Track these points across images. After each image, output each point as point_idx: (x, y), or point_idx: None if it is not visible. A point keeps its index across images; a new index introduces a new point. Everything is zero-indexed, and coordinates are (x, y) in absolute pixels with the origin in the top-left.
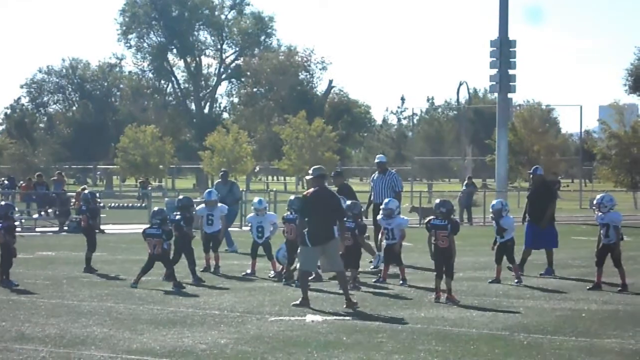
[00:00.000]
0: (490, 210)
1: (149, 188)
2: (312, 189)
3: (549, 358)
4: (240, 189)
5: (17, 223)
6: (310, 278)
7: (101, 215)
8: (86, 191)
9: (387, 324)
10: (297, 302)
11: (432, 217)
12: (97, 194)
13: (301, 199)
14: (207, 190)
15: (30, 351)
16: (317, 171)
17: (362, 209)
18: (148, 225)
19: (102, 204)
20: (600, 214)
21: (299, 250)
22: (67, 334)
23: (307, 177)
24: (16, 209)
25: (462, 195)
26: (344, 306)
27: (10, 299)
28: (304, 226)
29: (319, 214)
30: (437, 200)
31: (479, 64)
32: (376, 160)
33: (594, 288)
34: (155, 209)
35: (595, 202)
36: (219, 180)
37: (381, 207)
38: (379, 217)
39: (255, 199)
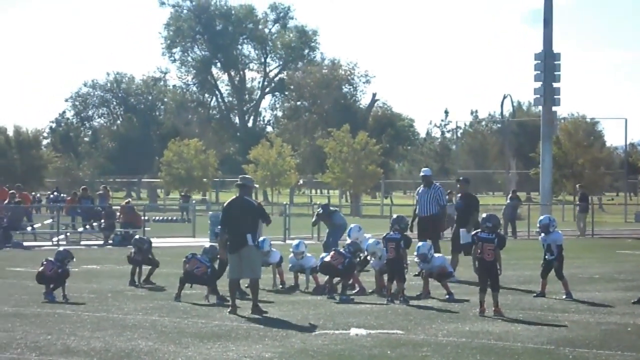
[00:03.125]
0: (538, 225)
1: (192, 201)
2: (230, 199)
3: None
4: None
5: (62, 237)
6: (354, 292)
7: (146, 229)
8: (137, 237)
9: (431, 337)
10: (229, 309)
11: (478, 230)
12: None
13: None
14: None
15: None
16: (240, 180)
17: (408, 223)
18: (194, 254)
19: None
20: None
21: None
22: (112, 347)
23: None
24: (74, 258)
25: (507, 208)
26: (250, 312)
27: (56, 312)
28: (224, 236)
29: (233, 222)
30: (484, 215)
31: (523, 77)
32: (421, 174)
33: (639, 302)
34: (207, 246)
35: None
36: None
37: (416, 253)
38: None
39: (295, 242)
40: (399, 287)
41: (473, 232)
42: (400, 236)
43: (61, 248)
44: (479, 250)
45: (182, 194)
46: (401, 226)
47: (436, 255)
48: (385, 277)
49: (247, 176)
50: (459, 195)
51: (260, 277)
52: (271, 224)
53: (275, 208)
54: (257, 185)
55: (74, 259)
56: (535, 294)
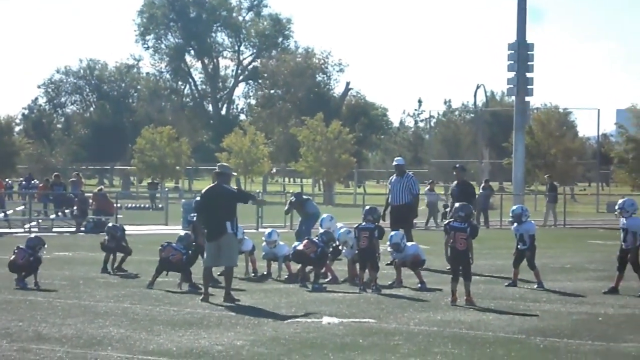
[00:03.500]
0: (510, 215)
1: (165, 189)
2: (208, 187)
3: None
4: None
5: (34, 223)
6: (326, 280)
7: (118, 216)
8: (110, 224)
9: (403, 326)
10: (201, 297)
11: (450, 219)
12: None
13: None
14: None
15: (47, 351)
16: (218, 168)
17: (381, 214)
18: (169, 242)
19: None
20: (622, 218)
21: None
22: (83, 334)
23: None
24: (45, 244)
25: (479, 198)
26: (223, 300)
27: (28, 299)
28: (201, 222)
29: (211, 210)
30: (457, 204)
31: (496, 67)
32: (394, 163)
33: (610, 292)
34: (182, 234)
35: (617, 206)
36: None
37: (389, 242)
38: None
39: (268, 230)
40: (372, 276)
41: (445, 222)
42: (374, 226)
43: (32, 235)
44: (451, 240)
45: (150, 181)
46: (374, 217)
47: (409, 244)
48: (358, 266)
49: (225, 164)
50: (455, 182)
51: (237, 265)
52: (248, 203)
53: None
54: (235, 174)
55: (46, 246)
56: (507, 284)
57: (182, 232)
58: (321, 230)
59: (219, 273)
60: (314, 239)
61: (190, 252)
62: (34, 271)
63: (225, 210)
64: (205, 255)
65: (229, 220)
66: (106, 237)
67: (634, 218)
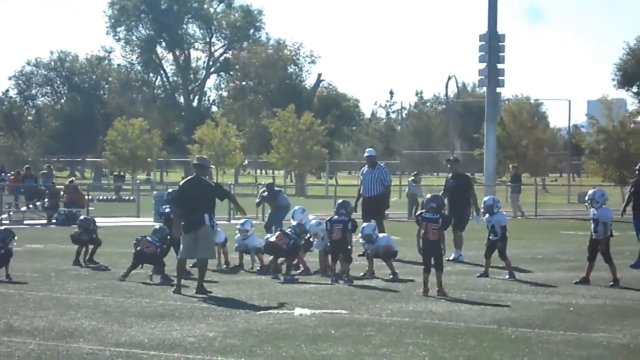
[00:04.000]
0: (482, 206)
1: (136, 181)
2: (186, 178)
3: (537, 352)
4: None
5: (5, 216)
6: (298, 272)
7: (89, 208)
8: (82, 217)
9: (375, 317)
10: (174, 289)
11: (422, 210)
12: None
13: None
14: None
15: (18, 344)
16: (197, 160)
17: (353, 208)
18: (144, 236)
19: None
20: (592, 209)
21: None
22: (55, 326)
23: None
24: (15, 236)
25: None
26: (195, 291)
27: None
28: (178, 213)
29: (189, 202)
30: (428, 195)
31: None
32: (365, 154)
33: (581, 282)
34: (157, 227)
35: (587, 197)
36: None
37: (360, 234)
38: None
39: (242, 220)
40: (344, 267)
41: (417, 213)
42: (347, 219)
43: (2, 227)
44: (423, 231)
45: (115, 173)
46: (347, 210)
47: (381, 235)
48: (330, 257)
49: (204, 157)
50: (450, 175)
51: (215, 257)
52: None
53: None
54: (213, 166)
55: (16, 238)
56: (478, 274)
57: (157, 225)
58: (293, 223)
59: (191, 265)
60: (287, 231)
61: (164, 245)
62: (5, 264)
63: (204, 202)
64: (180, 247)
65: (207, 213)
66: (78, 230)
67: (604, 209)
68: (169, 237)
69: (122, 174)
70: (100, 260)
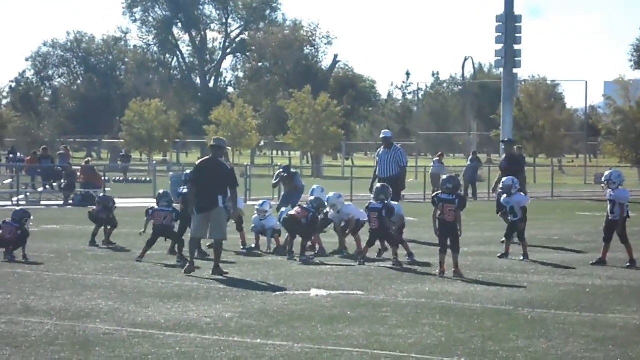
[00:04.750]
0: (500, 186)
1: (152, 162)
2: (203, 158)
3: (553, 333)
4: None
5: (22, 196)
6: (314, 253)
7: (106, 189)
8: (101, 194)
9: (391, 298)
10: (186, 267)
11: (438, 191)
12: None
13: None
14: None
15: (35, 324)
16: (214, 141)
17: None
18: (154, 205)
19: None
20: (609, 190)
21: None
22: (72, 307)
23: None
24: (31, 216)
25: (467, 170)
26: (211, 272)
27: (16, 272)
28: (193, 192)
29: (205, 182)
30: (444, 176)
31: (484, 38)
32: (381, 135)
33: (597, 263)
34: (161, 191)
35: (603, 178)
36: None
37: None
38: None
39: (261, 201)
40: (394, 251)
41: (434, 194)
42: (382, 205)
43: (18, 207)
44: (439, 212)
45: (122, 154)
46: (386, 195)
47: (346, 203)
48: (367, 242)
49: (221, 138)
50: (504, 156)
51: (226, 238)
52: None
53: (236, 169)
54: (229, 148)
55: (32, 218)
56: (499, 254)
57: (161, 190)
58: (312, 198)
59: (207, 244)
60: (305, 205)
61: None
62: (22, 244)
63: (219, 183)
64: (192, 226)
65: (221, 194)
66: (96, 208)
67: (620, 190)
68: (181, 215)
69: (129, 154)
70: (116, 241)
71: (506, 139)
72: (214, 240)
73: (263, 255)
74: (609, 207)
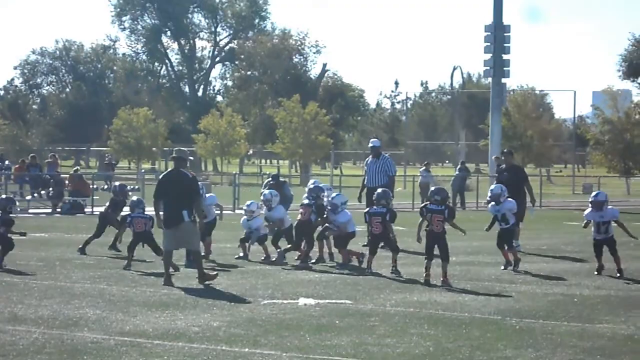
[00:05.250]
0: (489, 194)
1: (141, 170)
2: (165, 172)
3: (541, 343)
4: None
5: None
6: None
7: (94, 197)
8: (117, 183)
9: (379, 307)
10: (164, 279)
11: (427, 202)
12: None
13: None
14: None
15: (23, 332)
16: (175, 153)
17: (392, 196)
18: (129, 212)
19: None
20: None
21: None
22: (60, 315)
23: None
24: (16, 203)
25: (455, 179)
26: (198, 281)
27: (3, 281)
28: (158, 207)
29: (168, 196)
30: (433, 188)
31: (473, 48)
32: (370, 145)
33: (598, 270)
34: (135, 199)
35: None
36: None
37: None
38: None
39: (249, 202)
40: (394, 257)
41: (422, 205)
42: (386, 210)
43: (2, 196)
44: (426, 222)
45: (106, 162)
46: (387, 200)
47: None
48: (368, 250)
49: (182, 149)
50: (503, 167)
51: (199, 249)
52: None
53: (225, 178)
54: (191, 158)
55: (17, 204)
56: (503, 267)
57: (134, 197)
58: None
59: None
60: (304, 201)
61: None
62: (8, 226)
63: (182, 196)
64: (163, 239)
65: (186, 209)
66: (114, 197)
67: (610, 209)
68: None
69: (113, 162)
70: (105, 250)
71: (505, 150)
72: (191, 252)
73: (251, 264)
74: (595, 227)
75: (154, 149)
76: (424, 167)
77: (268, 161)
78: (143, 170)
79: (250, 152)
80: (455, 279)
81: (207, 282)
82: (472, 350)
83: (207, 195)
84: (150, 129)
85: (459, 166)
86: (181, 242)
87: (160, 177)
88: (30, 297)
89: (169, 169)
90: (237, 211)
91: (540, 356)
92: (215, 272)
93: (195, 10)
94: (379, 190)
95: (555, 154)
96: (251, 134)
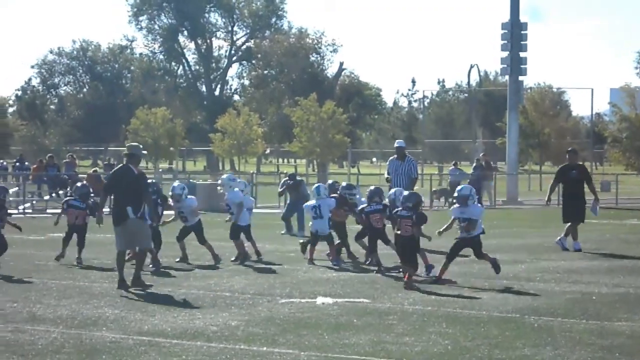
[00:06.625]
0: (456, 194)
1: (159, 169)
2: (116, 167)
3: (559, 341)
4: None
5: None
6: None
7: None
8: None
9: (397, 306)
10: (117, 283)
11: (399, 209)
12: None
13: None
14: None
15: (41, 332)
16: (127, 149)
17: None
18: (70, 197)
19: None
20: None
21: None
22: (78, 315)
23: None
24: (9, 191)
25: (472, 178)
26: (130, 284)
27: (22, 280)
28: (104, 202)
29: (116, 193)
30: (405, 193)
31: (490, 46)
32: (395, 145)
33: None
34: (79, 184)
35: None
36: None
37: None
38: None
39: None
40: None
41: (394, 211)
42: (412, 213)
43: None
44: (397, 227)
45: (106, 162)
46: (413, 203)
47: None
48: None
49: (135, 144)
50: (568, 165)
51: (149, 247)
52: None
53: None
54: (145, 152)
55: (10, 192)
56: (434, 280)
57: (78, 183)
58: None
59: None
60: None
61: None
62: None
63: (128, 193)
64: (116, 238)
65: (131, 205)
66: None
67: (474, 205)
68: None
69: (113, 162)
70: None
71: (570, 149)
72: (137, 249)
73: (269, 263)
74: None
75: (171, 148)
76: (452, 167)
77: (285, 160)
78: (161, 170)
79: (268, 151)
80: (473, 277)
81: (136, 289)
82: (491, 348)
83: (188, 197)
84: (168, 129)
85: (475, 164)
86: (130, 242)
87: (111, 172)
88: (49, 297)
89: (120, 165)
90: (254, 210)
91: (559, 354)
92: (150, 284)
93: (212, 9)
94: (407, 193)
95: None
96: (268, 133)
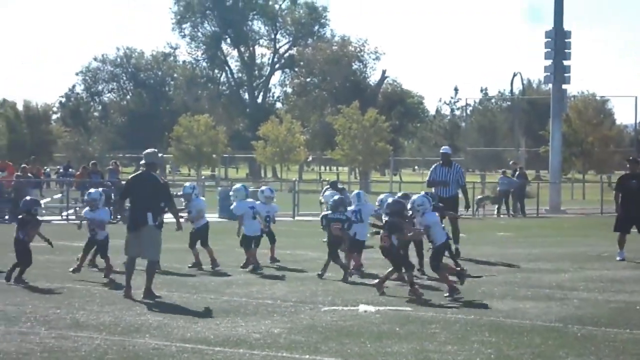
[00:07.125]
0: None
1: (201, 177)
2: (134, 174)
3: (603, 350)
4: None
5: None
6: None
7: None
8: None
9: (440, 314)
10: (123, 292)
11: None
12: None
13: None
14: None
15: (84, 339)
16: (144, 158)
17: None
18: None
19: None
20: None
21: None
22: (121, 322)
23: None
24: (41, 204)
25: (516, 185)
26: (142, 296)
27: (65, 287)
28: (120, 210)
29: (134, 199)
30: (390, 200)
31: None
32: (441, 151)
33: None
34: (92, 191)
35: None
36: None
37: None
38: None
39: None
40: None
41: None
42: (345, 217)
43: (28, 198)
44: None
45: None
46: (345, 207)
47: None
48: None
49: (150, 152)
50: (629, 174)
51: (157, 259)
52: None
53: (284, 184)
54: (161, 155)
55: (42, 205)
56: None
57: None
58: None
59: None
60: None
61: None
62: (35, 228)
63: (149, 199)
64: (126, 244)
65: (151, 212)
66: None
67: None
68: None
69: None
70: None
71: (631, 158)
72: (147, 261)
73: (311, 271)
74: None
75: (214, 155)
76: (501, 175)
77: (327, 168)
78: (203, 177)
79: (310, 158)
80: (516, 285)
81: (149, 300)
82: (534, 357)
83: (198, 197)
84: (211, 136)
85: (517, 172)
86: (141, 250)
87: (129, 178)
88: (92, 304)
89: (139, 171)
90: (296, 218)
91: None
92: (158, 295)
93: (255, 17)
94: (336, 197)
95: (617, 160)
96: (310, 141)
